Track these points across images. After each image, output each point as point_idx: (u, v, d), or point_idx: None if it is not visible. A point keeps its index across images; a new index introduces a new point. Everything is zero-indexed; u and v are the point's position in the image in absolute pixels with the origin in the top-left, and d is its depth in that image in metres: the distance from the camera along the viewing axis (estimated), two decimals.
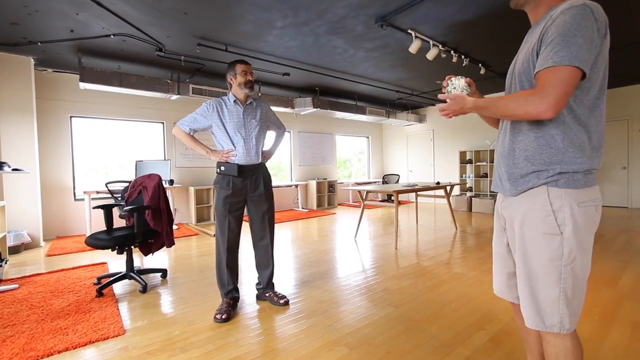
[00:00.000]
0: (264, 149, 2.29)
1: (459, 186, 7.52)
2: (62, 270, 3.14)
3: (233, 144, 2.14)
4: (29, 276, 2.96)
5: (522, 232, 1.00)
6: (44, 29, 3.43)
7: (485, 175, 7.19)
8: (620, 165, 6.46)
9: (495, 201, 1.08)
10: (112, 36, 3.60)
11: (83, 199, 4.91)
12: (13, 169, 2.92)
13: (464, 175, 7.59)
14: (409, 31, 3.68)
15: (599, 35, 0.86)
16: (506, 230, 1.11)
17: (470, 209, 6.85)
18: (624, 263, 2.96)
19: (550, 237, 0.93)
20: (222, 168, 2.14)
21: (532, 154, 0.98)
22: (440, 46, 4.08)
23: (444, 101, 1.10)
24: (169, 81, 4.83)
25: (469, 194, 7.35)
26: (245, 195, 2.20)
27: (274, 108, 5.74)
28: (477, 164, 7.36)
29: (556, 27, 0.87)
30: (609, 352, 1.61)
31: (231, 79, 2.18)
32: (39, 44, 3.74)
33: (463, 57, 4.53)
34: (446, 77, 1.18)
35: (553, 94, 0.85)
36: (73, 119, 5.00)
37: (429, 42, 3.95)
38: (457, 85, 1.16)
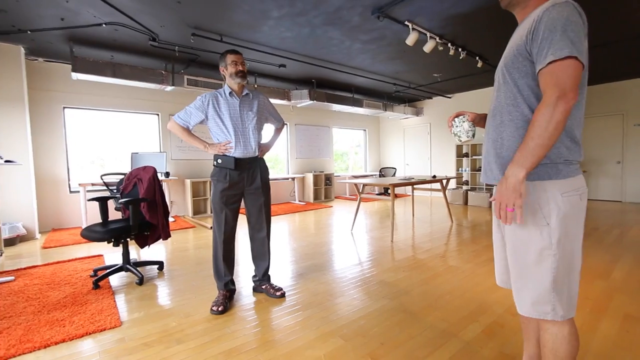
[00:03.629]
0: (261, 142, 2.27)
1: (455, 180, 7.56)
2: (58, 262, 3.13)
3: (229, 137, 2.12)
4: (25, 268, 2.95)
5: (510, 225, 1.03)
6: (33, 16, 3.34)
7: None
8: (614, 160, 6.51)
9: (491, 195, 1.10)
10: (104, 25, 3.52)
11: (78, 191, 4.87)
12: (6, 161, 2.88)
13: (460, 169, 7.61)
14: (406, 23, 3.64)
15: (584, 31, 0.88)
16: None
17: (466, 202, 6.89)
18: (616, 256, 3.00)
19: (538, 228, 0.97)
20: (219, 161, 2.13)
21: (514, 144, 1.00)
22: (437, 39, 4.04)
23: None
24: (163, 72, 4.75)
25: (465, 187, 7.39)
26: (242, 188, 2.19)
27: (270, 100, 5.68)
28: (474, 157, 7.38)
29: (546, 24, 0.88)
30: (599, 343, 1.64)
31: (223, 70, 2.16)
32: (29, 32, 3.66)
33: (460, 49, 4.50)
34: (449, 118, 1.26)
35: (568, 83, 0.85)
36: (66, 109, 4.93)
37: (426, 35, 3.92)
38: (460, 127, 1.21)
